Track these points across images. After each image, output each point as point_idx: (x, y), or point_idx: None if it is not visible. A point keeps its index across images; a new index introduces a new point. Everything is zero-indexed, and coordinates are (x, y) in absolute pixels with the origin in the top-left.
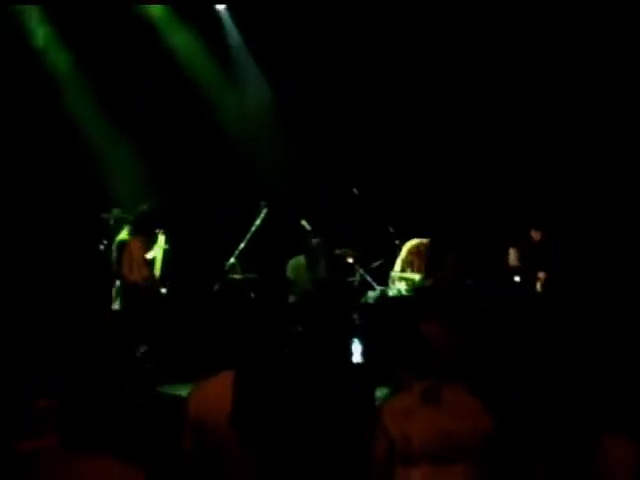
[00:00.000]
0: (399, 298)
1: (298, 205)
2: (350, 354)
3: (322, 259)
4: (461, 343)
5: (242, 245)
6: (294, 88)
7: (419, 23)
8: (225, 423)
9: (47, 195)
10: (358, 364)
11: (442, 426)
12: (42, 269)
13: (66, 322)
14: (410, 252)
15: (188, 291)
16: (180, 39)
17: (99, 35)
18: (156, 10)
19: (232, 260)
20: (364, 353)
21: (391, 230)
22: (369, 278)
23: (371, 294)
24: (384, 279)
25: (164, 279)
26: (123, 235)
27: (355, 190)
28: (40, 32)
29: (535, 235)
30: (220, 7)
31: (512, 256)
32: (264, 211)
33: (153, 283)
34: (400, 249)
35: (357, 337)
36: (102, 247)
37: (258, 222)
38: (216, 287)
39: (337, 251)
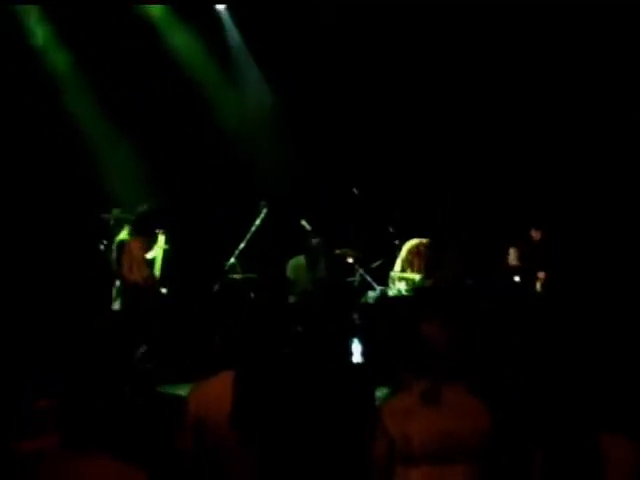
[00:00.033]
0: (399, 298)
1: (298, 205)
2: (350, 354)
3: (322, 259)
4: (461, 343)
5: (242, 245)
6: (294, 88)
7: (419, 23)
8: (225, 423)
9: (47, 195)
10: (358, 364)
11: (442, 426)
12: (42, 269)
13: (66, 322)
14: (410, 252)
15: (188, 291)
16: (180, 39)
17: (99, 35)
18: (156, 10)
19: (232, 260)
20: (364, 353)
21: (391, 230)
22: (369, 278)
23: (371, 294)
24: (384, 279)
25: (164, 279)
26: (123, 235)
27: (355, 190)
28: (39, 31)
29: (535, 235)
30: (220, 7)
31: (512, 256)
32: (264, 211)
33: (153, 283)
34: (400, 249)
35: (357, 337)
36: (102, 247)
37: (258, 222)
38: (216, 287)
39: (337, 251)
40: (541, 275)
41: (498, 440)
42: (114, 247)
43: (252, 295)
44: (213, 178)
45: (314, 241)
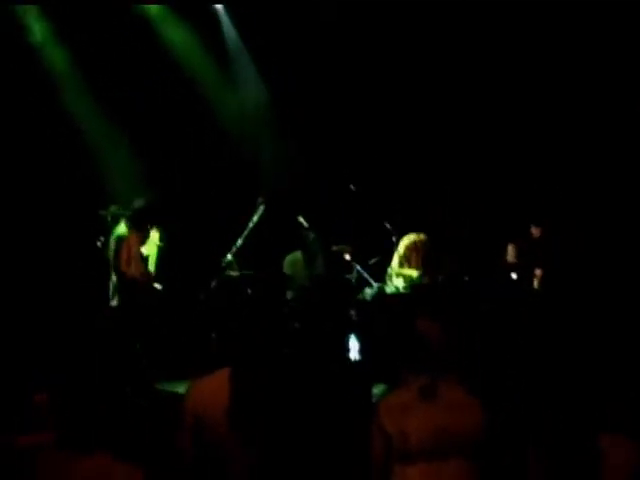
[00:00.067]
0: (396, 295)
1: (295, 201)
2: (347, 351)
3: (319, 255)
4: (453, 338)
5: (239, 242)
6: (291, 85)
7: (418, 20)
8: (223, 421)
9: (44, 192)
10: (355, 361)
11: (439, 422)
12: (40, 266)
13: (64, 319)
14: (407, 247)
15: (185, 287)
16: (178, 37)
17: (97, 32)
18: (154, 8)
19: (229, 257)
20: (361, 350)
21: (388, 227)
22: (366, 275)
23: (368, 291)
24: (381, 276)
25: (159, 276)
26: (121, 230)
27: (352, 187)
28: (38, 29)
29: (535, 232)
30: (218, 6)
31: (510, 252)
32: (261, 208)
33: (149, 279)
34: (397, 246)
35: (354, 334)
36: (99, 244)
37: (255, 219)
38: (213, 284)
39: (334, 247)
40: (538, 272)
41: (494, 436)
42: (112, 242)
43: (249, 291)
44: (210, 175)
45: (309, 237)
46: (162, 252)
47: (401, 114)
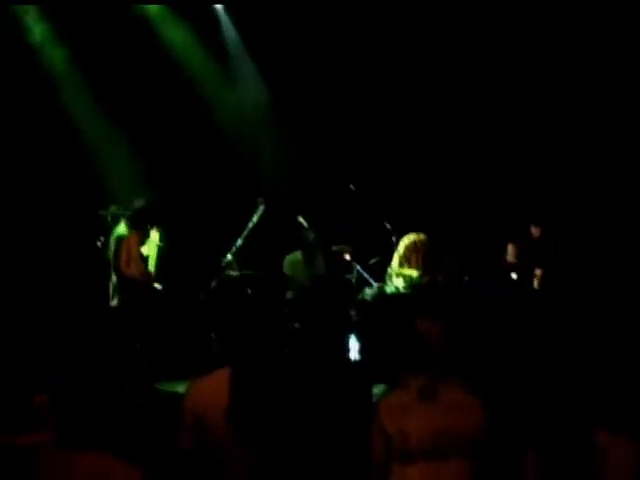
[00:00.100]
0: (396, 295)
1: (295, 201)
2: (347, 351)
3: (319, 255)
4: (454, 338)
5: (239, 242)
6: (291, 85)
7: (418, 21)
8: (223, 421)
9: (44, 192)
10: (355, 361)
11: (439, 423)
12: (39, 267)
13: (64, 319)
14: (407, 247)
15: (185, 288)
16: (178, 37)
17: (96, 32)
18: (153, 8)
19: (229, 257)
20: (361, 350)
21: (388, 227)
22: (366, 275)
23: (368, 291)
24: (381, 276)
25: (159, 276)
26: (121, 230)
27: (352, 187)
28: (37, 29)
29: (535, 231)
30: (218, 6)
31: (510, 252)
32: (261, 207)
33: (149, 279)
34: (397, 246)
35: (354, 334)
36: (99, 244)
37: (255, 219)
38: (213, 284)
39: (334, 247)
40: (538, 272)
41: (494, 437)
42: (112, 241)
43: (249, 291)
44: (210, 174)
45: (309, 237)
46: (162, 252)
47: (401, 112)
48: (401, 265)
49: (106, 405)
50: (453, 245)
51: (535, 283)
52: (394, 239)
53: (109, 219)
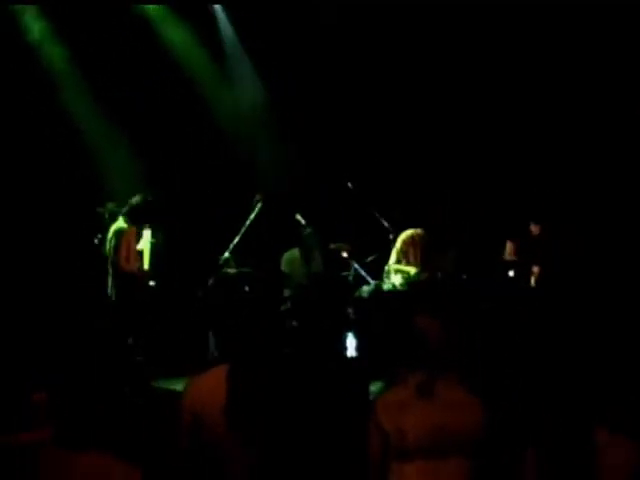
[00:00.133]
0: (393, 292)
1: (293, 199)
2: (345, 348)
3: (317, 253)
4: (453, 335)
5: (237, 239)
6: (290, 85)
7: (417, 21)
8: (221, 419)
9: (42, 190)
10: (353, 358)
11: (436, 420)
12: (37, 264)
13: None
14: (405, 242)
15: (182, 285)
16: (177, 37)
17: (95, 32)
18: (153, 8)
19: (226, 254)
20: (359, 347)
21: (386, 224)
22: (363, 272)
23: (365, 288)
24: (379, 273)
25: (152, 273)
26: (121, 224)
27: (349, 184)
28: (36, 28)
29: (534, 229)
30: (216, 6)
31: (508, 250)
32: (259, 205)
33: (144, 275)
34: (395, 243)
35: (352, 331)
36: (97, 241)
37: (253, 216)
38: (210, 281)
39: (332, 245)
40: (535, 270)
41: (493, 436)
42: (111, 237)
43: (246, 289)
44: (208, 172)
45: (305, 232)
46: (154, 249)
47: (399, 110)
48: (399, 260)
49: (106, 405)
50: (452, 243)
51: (532, 281)
52: (391, 237)
53: (106, 216)
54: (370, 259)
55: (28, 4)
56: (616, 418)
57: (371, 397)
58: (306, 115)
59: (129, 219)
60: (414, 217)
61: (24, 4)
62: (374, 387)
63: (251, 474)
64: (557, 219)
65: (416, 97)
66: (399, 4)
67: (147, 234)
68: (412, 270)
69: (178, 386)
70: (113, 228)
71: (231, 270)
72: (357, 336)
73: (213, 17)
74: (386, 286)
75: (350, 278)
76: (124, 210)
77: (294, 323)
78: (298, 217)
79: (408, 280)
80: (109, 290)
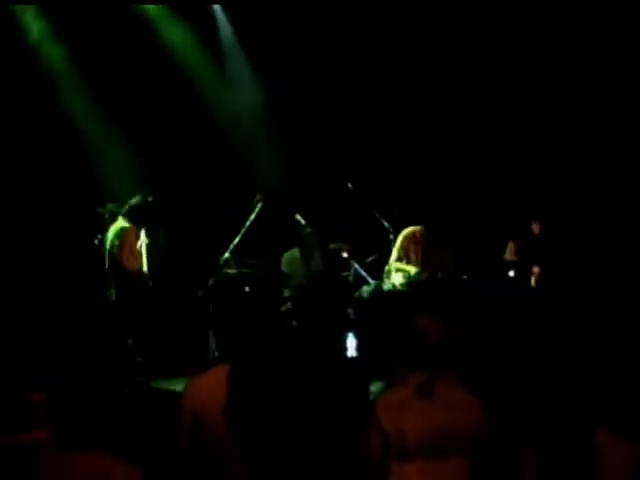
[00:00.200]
0: (394, 292)
1: (293, 199)
2: (345, 349)
3: (317, 253)
4: (453, 335)
5: (237, 239)
6: (290, 85)
7: (417, 20)
8: (221, 419)
9: (41, 190)
10: (353, 358)
11: (436, 420)
12: (37, 264)
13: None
14: (406, 238)
15: (183, 285)
16: (176, 37)
17: (95, 31)
18: (152, 8)
19: (226, 255)
20: (359, 347)
21: (386, 224)
22: (364, 273)
23: (365, 288)
24: (379, 273)
25: (149, 273)
26: (122, 224)
27: (349, 185)
28: (35, 28)
29: (536, 229)
30: (215, 6)
31: (509, 250)
32: (259, 205)
33: (143, 274)
34: (394, 243)
35: (352, 332)
36: (96, 241)
37: (253, 216)
38: (211, 281)
39: (332, 245)
40: (536, 270)
41: (494, 436)
42: (113, 237)
43: (247, 289)
44: (208, 173)
45: (305, 232)
46: (149, 250)
47: (399, 110)
48: (400, 258)
49: (106, 405)
50: (453, 242)
51: (532, 281)
52: (391, 237)
53: (106, 217)
54: (370, 259)
55: (28, 4)
56: (616, 418)
57: (371, 397)
58: (305, 115)
59: (129, 219)
60: (414, 217)
61: (24, 4)
62: (374, 387)
63: (251, 474)
64: (557, 219)
65: (416, 97)
66: (399, 4)
67: (142, 235)
68: (412, 270)
69: (178, 386)
70: (114, 228)
71: (231, 270)
72: (357, 336)
73: (212, 17)
74: (386, 286)
75: (350, 278)
76: (124, 210)
77: (294, 323)
78: (298, 217)
79: (408, 279)
80: (109, 290)
